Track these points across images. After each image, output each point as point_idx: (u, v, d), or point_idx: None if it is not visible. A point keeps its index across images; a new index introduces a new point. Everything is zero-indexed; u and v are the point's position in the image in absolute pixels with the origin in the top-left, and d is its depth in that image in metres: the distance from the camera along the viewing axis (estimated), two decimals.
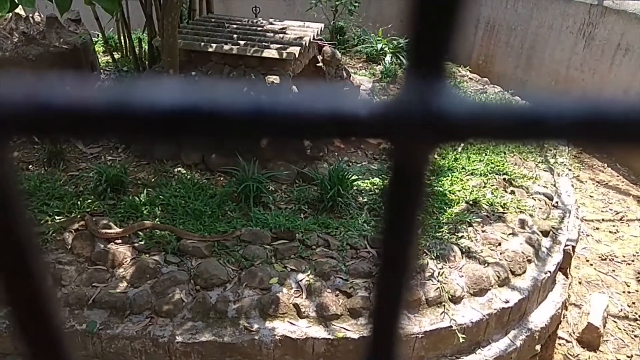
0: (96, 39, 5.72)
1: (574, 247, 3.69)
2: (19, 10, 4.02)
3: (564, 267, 3.57)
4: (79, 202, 3.25)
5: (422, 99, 0.23)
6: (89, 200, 3.29)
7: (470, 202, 3.60)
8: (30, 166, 3.77)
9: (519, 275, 3.13)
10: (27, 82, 0.22)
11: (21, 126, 0.22)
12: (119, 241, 3.00)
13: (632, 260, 4.46)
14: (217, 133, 0.23)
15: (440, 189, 3.72)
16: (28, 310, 0.28)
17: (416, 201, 0.26)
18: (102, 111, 0.22)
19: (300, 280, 2.83)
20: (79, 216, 3.12)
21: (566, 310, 3.76)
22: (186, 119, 0.22)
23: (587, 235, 4.74)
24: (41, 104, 0.22)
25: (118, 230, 3.02)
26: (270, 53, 3.82)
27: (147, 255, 2.92)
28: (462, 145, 4.41)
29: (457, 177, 3.89)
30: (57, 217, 3.11)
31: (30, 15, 4.77)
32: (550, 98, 0.24)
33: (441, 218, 3.42)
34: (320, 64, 4.71)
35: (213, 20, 4.61)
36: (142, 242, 2.98)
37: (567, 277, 3.63)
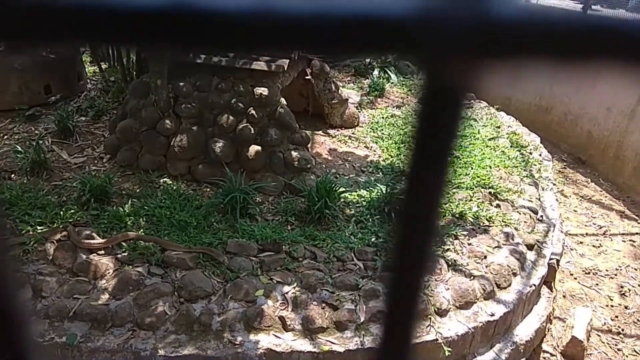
0: (83, 49, 5.70)
1: (558, 260, 3.72)
2: None
3: (548, 280, 3.59)
4: (61, 212, 3.20)
5: (468, 3, 0.18)
6: (72, 211, 3.24)
7: (457, 215, 3.62)
8: (13, 175, 3.71)
9: (505, 288, 3.14)
10: None
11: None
12: (102, 252, 2.95)
13: (615, 274, 4.50)
14: (216, 38, 0.19)
15: None
16: None
17: (451, 128, 0.21)
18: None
19: (286, 293, 2.81)
20: (61, 226, 3.07)
21: (550, 323, 3.78)
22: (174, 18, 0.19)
23: (571, 249, 4.78)
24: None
25: (101, 240, 2.98)
26: (259, 65, 3.84)
27: (130, 266, 2.88)
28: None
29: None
30: (39, 227, 3.06)
31: None
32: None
33: None
34: (309, 77, 4.73)
35: None
36: (126, 254, 2.94)
37: (551, 291, 3.65)
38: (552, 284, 3.68)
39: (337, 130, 4.97)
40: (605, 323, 3.98)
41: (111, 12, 0.19)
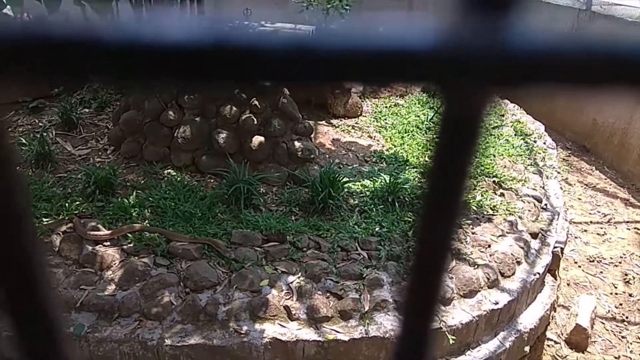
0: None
1: (562, 249, 3.72)
2: (7, 10, 3.98)
3: (552, 268, 3.60)
4: (67, 204, 3.22)
5: (487, 34, 0.18)
6: (77, 202, 3.26)
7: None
8: (18, 168, 3.72)
9: (509, 277, 3.15)
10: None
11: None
12: (108, 243, 2.97)
13: (620, 262, 4.50)
14: (243, 75, 0.19)
15: None
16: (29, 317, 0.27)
17: (468, 154, 0.22)
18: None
19: (291, 283, 2.83)
20: (67, 218, 3.09)
21: (555, 311, 3.79)
22: (207, 57, 0.19)
23: (576, 238, 4.78)
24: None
25: (107, 232, 3.00)
26: None
27: (136, 257, 2.90)
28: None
29: None
30: (44, 219, 3.08)
31: (19, 16, 4.73)
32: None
33: None
34: None
35: None
36: (131, 245, 2.96)
37: (555, 279, 3.66)
38: (557, 272, 3.69)
39: (340, 120, 4.96)
40: (609, 311, 3.99)
41: (149, 50, 0.20)
